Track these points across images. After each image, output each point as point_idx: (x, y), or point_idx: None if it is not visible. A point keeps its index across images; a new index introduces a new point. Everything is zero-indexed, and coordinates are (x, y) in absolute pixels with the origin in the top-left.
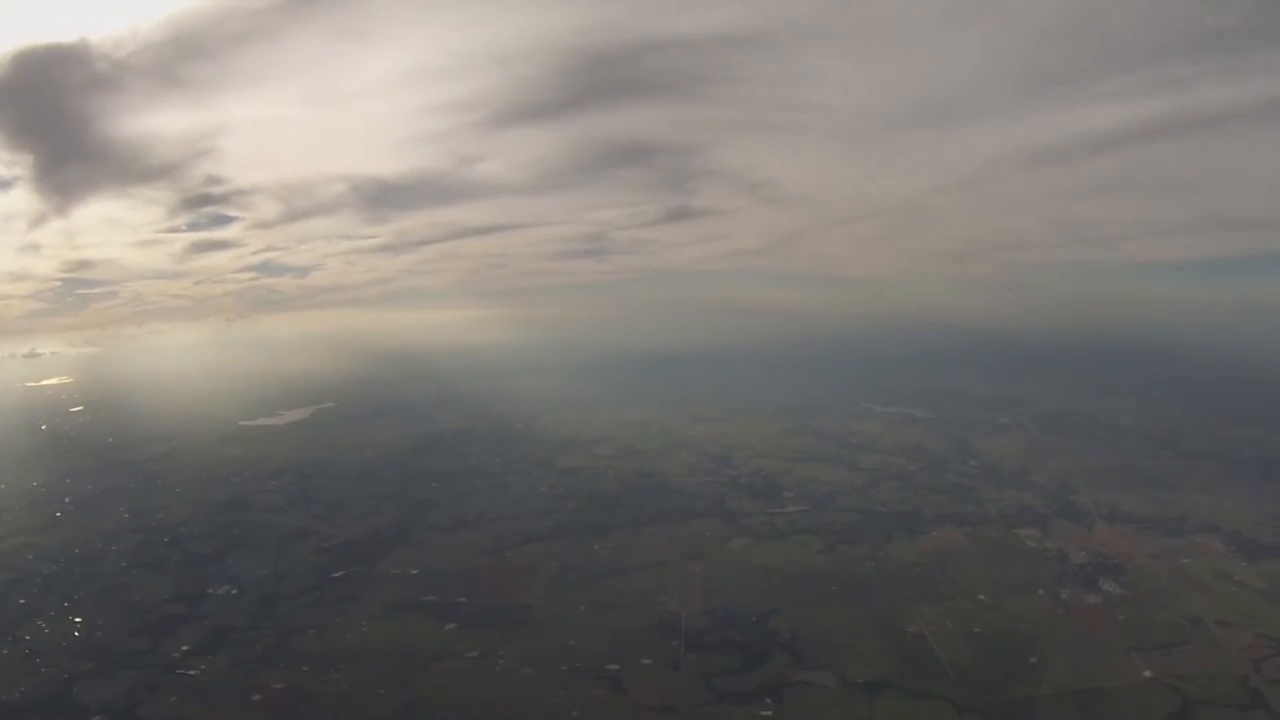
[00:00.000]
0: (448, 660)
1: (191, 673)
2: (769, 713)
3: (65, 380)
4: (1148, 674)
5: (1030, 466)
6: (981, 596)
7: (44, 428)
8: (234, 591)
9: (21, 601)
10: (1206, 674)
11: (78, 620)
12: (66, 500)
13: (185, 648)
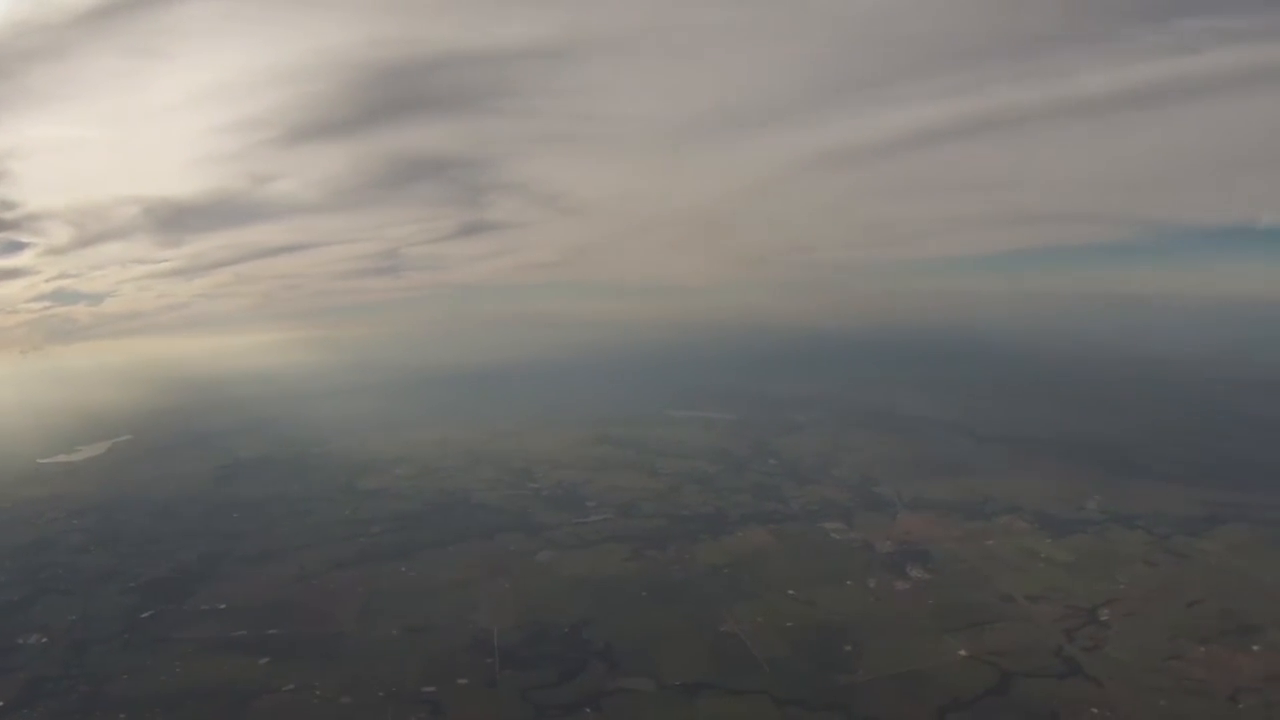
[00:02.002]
0: (265, 696)
1: None
2: None
3: None
4: (963, 653)
5: (831, 461)
6: (791, 592)
7: None
8: (44, 640)
9: None
10: (1022, 648)
11: None
12: None
13: (0, 704)
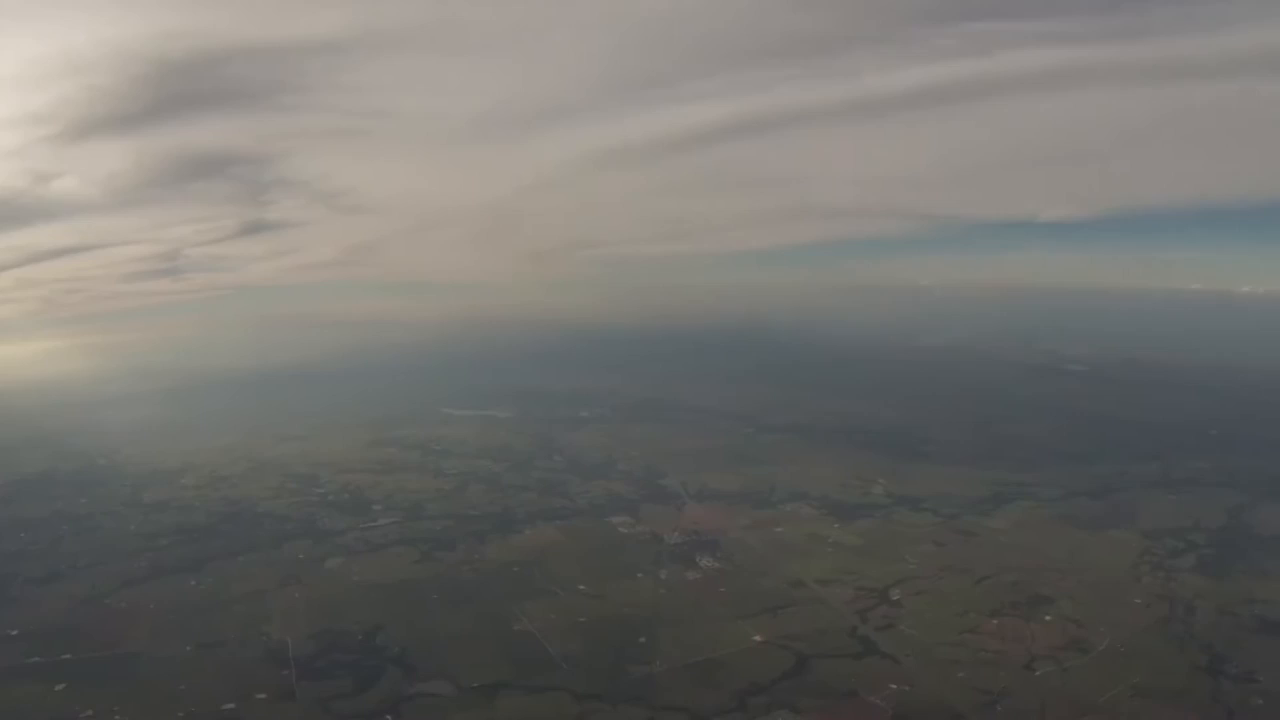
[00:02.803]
0: None
1: None
2: None
3: None
4: (758, 638)
5: (617, 456)
6: (582, 587)
7: None
8: None
9: None
10: (816, 630)
11: None
12: None
13: None
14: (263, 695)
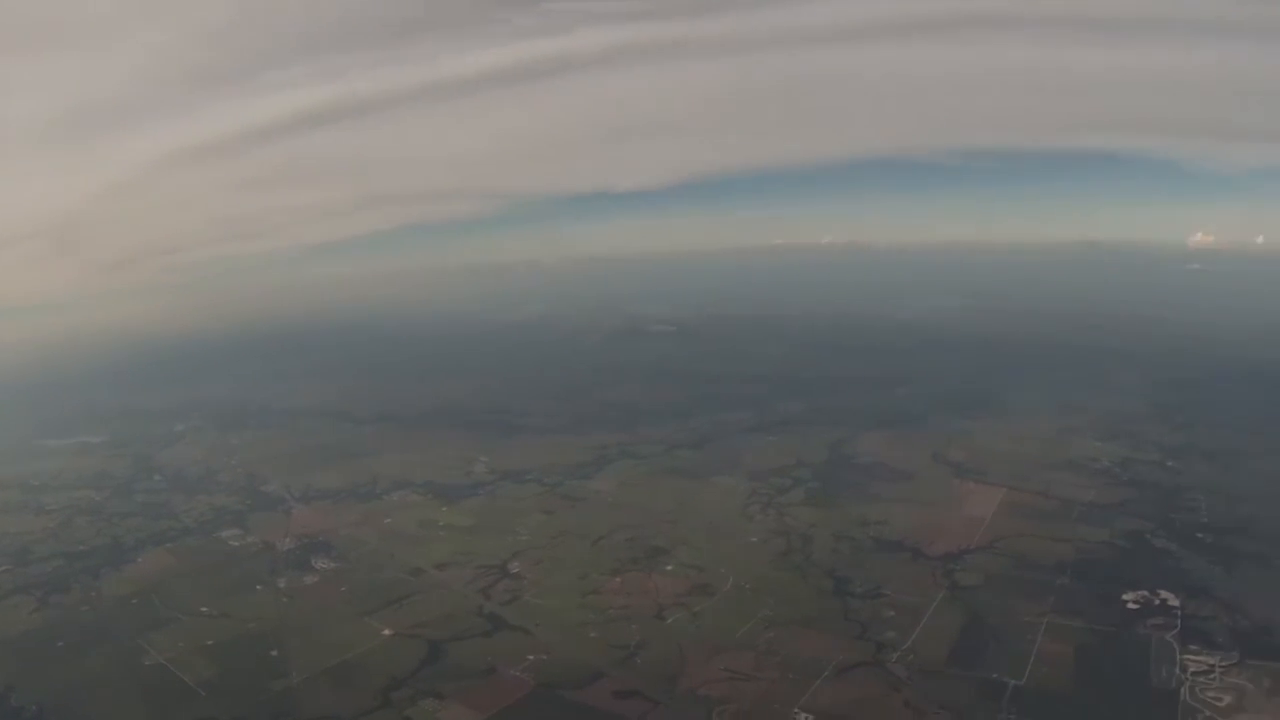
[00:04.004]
0: None
1: None
2: None
3: None
4: (388, 632)
5: (216, 467)
6: (205, 609)
7: None
8: None
9: None
10: (443, 615)
11: None
12: None
13: None
14: None
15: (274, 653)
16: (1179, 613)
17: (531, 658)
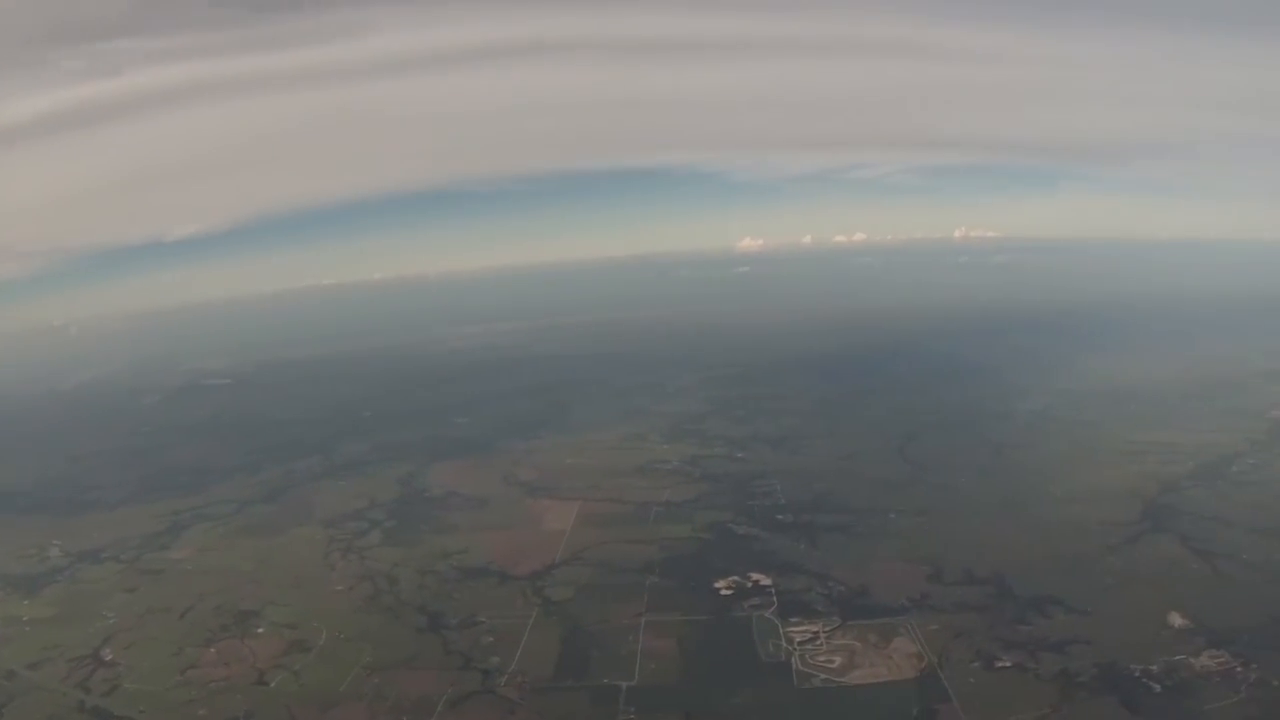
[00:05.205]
0: None
1: None
2: None
3: None
4: None
5: None
6: None
7: None
8: None
9: None
10: (47, 718)
11: None
12: None
13: None
14: None
15: None
16: (773, 590)
17: None
